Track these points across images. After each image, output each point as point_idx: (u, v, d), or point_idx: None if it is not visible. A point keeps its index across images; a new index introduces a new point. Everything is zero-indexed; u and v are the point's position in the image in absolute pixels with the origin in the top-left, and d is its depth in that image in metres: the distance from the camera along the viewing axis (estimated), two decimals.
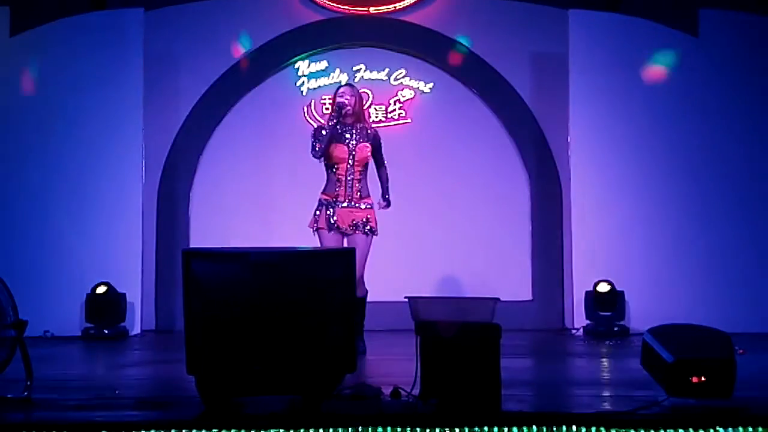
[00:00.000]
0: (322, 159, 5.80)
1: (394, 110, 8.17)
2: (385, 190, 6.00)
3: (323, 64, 8.18)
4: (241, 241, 7.41)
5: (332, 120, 5.78)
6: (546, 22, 8.08)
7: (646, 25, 7.78)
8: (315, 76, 8.18)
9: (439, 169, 8.14)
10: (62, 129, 7.55)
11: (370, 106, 7.98)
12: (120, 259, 7.47)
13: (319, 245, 5.73)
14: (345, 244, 5.78)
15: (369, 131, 5.91)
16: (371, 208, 5.84)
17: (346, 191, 5.77)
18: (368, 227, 5.77)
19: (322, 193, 5.86)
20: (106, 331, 7.26)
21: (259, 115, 8.13)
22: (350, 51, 8.22)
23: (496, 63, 8.11)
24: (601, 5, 8.09)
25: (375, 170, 5.98)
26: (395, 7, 8.19)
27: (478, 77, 8.16)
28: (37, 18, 7.70)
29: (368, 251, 5.79)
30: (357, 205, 5.77)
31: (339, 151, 5.78)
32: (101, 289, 7.31)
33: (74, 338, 7.25)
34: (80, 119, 7.56)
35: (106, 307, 7.29)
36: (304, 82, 8.19)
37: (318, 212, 5.80)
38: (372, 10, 8.22)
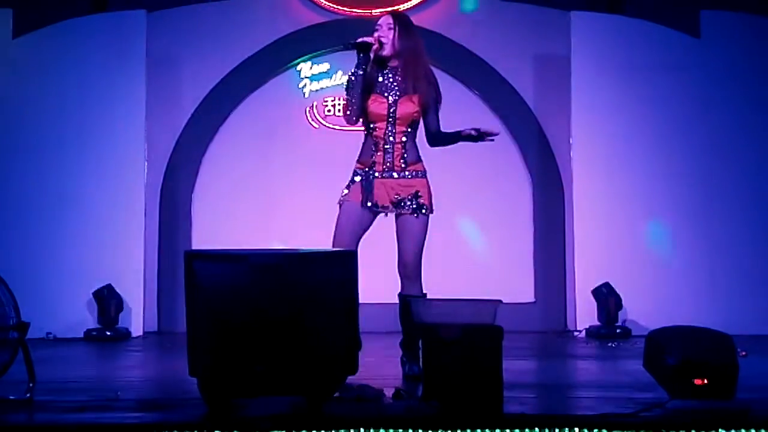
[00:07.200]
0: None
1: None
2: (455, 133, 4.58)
3: (325, 66, 8.18)
4: (244, 242, 7.40)
5: (358, 68, 4.48)
6: (548, 24, 8.08)
7: (648, 26, 7.79)
8: (317, 78, 8.18)
9: (440, 171, 8.10)
10: (65, 130, 7.56)
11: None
12: (122, 260, 7.48)
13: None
14: (397, 227, 4.55)
15: (421, 80, 4.55)
16: (422, 176, 4.55)
17: (384, 157, 4.49)
18: (417, 203, 4.49)
19: (357, 161, 4.59)
20: (109, 333, 7.27)
21: (261, 117, 8.13)
22: (352, 53, 8.18)
23: (498, 65, 8.11)
24: (603, 7, 8.10)
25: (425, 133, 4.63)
26: (397, 9, 8.18)
27: (480, 79, 8.15)
28: (40, 20, 7.71)
29: (424, 237, 4.52)
30: (401, 174, 4.51)
31: (376, 105, 4.51)
32: (103, 291, 7.31)
33: (76, 340, 7.26)
34: (83, 121, 7.57)
35: (108, 309, 7.29)
36: (306, 84, 8.19)
37: (352, 183, 4.54)
38: (374, 12, 8.22)
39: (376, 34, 4.53)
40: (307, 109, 8.18)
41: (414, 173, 4.54)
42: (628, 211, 7.64)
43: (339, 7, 8.16)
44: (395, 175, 4.51)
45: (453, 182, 8.10)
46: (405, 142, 4.53)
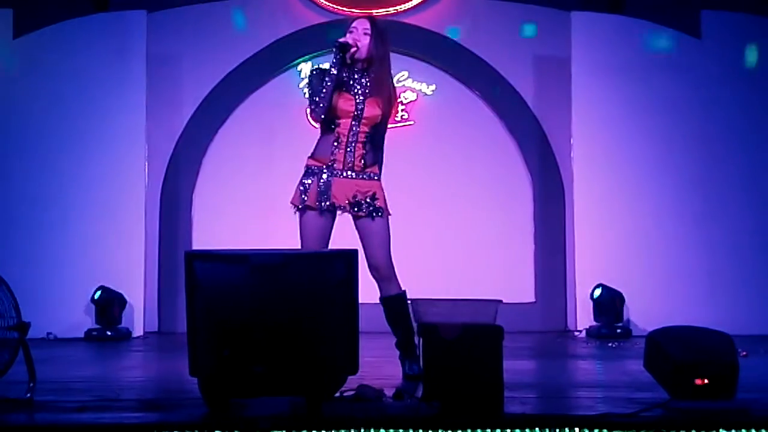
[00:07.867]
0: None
1: (397, 112, 8.17)
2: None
3: (326, 67, 8.16)
4: (244, 242, 7.39)
5: (333, 67, 4.55)
6: (548, 24, 8.09)
7: (648, 26, 7.79)
8: None
9: (441, 171, 8.14)
10: (65, 130, 7.57)
11: None
12: (123, 260, 7.48)
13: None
14: (360, 232, 4.56)
15: (385, 87, 4.60)
16: (377, 179, 4.55)
17: (346, 156, 4.51)
18: (374, 206, 4.49)
19: (311, 157, 4.62)
20: (109, 333, 7.27)
21: (261, 117, 8.14)
22: None
23: (498, 65, 8.12)
24: (604, 7, 8.10)
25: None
26: (397, 9, 8.19)
27: (481, 79, 8.16)
28: (41, 20, 7.72)
29: (388, 236, 4.52)
30: (360, 175, 4.52)
31: (343, 101, 4.55)
32: (104, 291, 7.32)
33: (77, 340, 7.26)
34: (83, 121, 7.58)
35: (109, 309, 7.30)
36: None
37: (306, 183, 4.59)
38: (374, 12, 8.22)
39: (351, 37, 4.58)
40: (308, 109, 8.16)
41: (371, 175, 4.55)
42: (629, 210, 7.65)
43: (339, 7, 8.16)
44: (353, 174, 4.52)
45: (453, 182, 8.13)
46: (365, 143, 4.55)
